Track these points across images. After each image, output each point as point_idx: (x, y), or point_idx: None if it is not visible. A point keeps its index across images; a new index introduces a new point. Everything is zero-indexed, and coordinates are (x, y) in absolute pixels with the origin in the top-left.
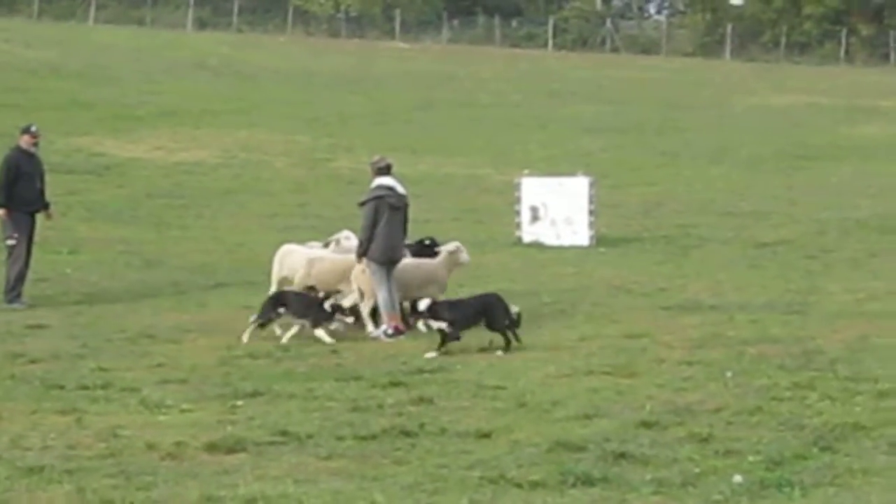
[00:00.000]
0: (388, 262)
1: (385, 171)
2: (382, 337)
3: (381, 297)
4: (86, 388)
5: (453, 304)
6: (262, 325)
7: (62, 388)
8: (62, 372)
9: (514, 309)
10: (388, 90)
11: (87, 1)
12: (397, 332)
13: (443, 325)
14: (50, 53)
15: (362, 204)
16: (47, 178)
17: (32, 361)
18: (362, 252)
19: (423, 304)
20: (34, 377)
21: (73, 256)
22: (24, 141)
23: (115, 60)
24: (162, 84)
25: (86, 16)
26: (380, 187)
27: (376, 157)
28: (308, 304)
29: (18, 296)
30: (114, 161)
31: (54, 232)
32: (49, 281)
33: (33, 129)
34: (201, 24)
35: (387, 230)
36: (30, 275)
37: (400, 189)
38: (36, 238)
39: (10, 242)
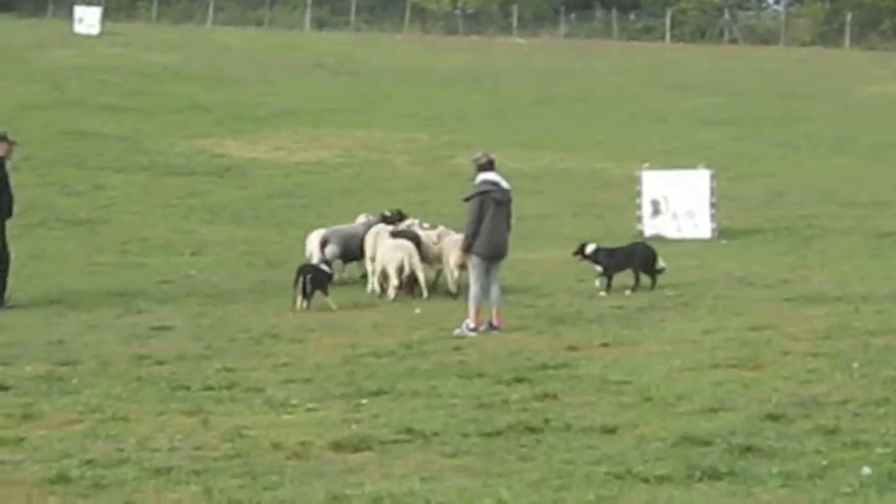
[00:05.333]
0: (492, 258)
1: (487, 166)
2: (465, 331)
3: (473, 292)
4: (211, 388)
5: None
6: None
7: (188, 389)
8: (187, 373)
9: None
10: (505, 86)
11: (206, 3)
12: (477, 328)
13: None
14: (169, 57)
15: (468, 199)
16: (168, 179)
17: (158, 363)
18: (467, 246)
19: (589, 248)
20: (160, 379)
21: (196, 258)
22: (2, 149)
23: (234, 62)
24: (281, 84)
25: (204, 18)
26: (484, 182)
27: (478, 154)
28: None
29: None
30: (235, 162)
31: (177, 234)
32: (173, 283)
33: (10, 137)
34: (319, 24)
35: (491, 226)
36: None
37: (504, 184)
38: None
39: None
